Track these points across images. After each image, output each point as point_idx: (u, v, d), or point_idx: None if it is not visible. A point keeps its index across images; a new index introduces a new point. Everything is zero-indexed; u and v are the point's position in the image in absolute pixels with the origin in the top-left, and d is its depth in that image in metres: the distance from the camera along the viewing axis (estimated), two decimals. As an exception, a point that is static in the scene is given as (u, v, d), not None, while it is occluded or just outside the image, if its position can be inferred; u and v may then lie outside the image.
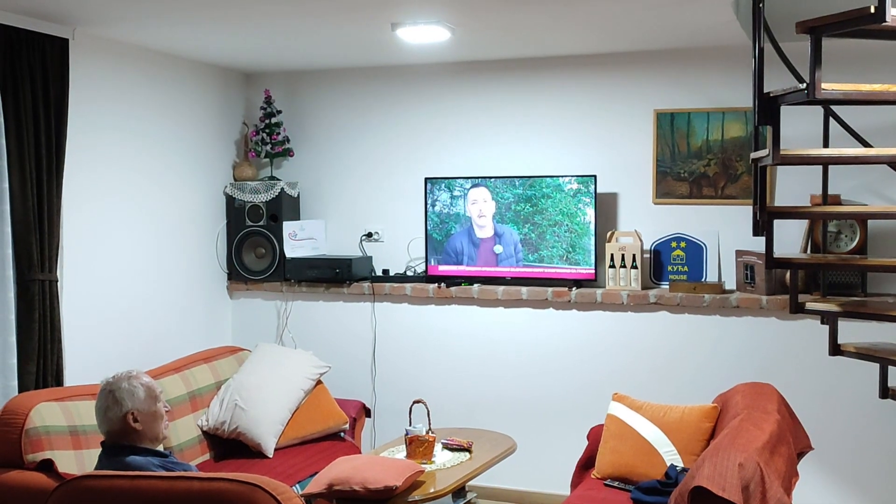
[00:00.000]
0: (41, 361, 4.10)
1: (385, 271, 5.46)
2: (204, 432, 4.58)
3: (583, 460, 4.27)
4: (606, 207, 4.99)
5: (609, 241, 4.92)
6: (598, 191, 4.93)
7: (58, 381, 4.18)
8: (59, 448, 3.75)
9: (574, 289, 4.97)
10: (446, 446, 4.23)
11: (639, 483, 3.84)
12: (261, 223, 5.50)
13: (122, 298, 4.78)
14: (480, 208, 5.14)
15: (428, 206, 5.25)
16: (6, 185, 3.95)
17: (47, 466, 3.62)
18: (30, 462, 3.64)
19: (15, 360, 4.01)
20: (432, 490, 3.77)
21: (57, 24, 4.14)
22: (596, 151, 5.04)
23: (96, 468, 3.18)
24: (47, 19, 4.08)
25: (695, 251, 4.88)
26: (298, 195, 5.62)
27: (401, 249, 5.45)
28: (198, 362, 4.82)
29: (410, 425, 4.18)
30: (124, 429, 3.21)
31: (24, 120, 3.99)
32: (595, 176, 4.91)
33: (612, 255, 4.91)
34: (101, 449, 3.27)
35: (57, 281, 4.20)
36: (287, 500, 2.67)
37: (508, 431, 4.64)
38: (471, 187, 5.16)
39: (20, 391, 3.99)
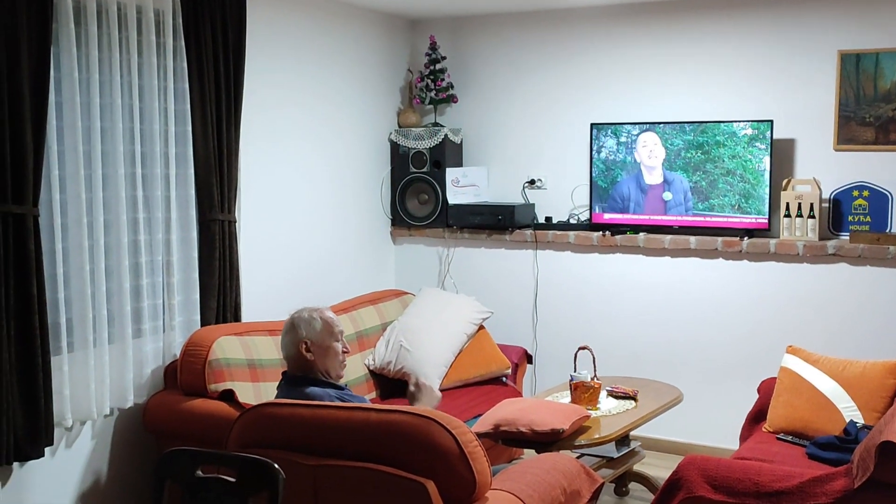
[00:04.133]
0: (221, 297, 4.28)
1: (548, 219, 5.41)
2: (371, 371, 4.70)
3: (753, 413, 4.15)
4: (783, 154, 4.77)
5: (785, 190, 4.71)
6: (775, 137, 4.71)
7: (236, 316, 4.36)
8: (239, 379, 3.93)
9: (746, 239, 4.79)
10: (611, 394, 4.19)
11: (815, 438, 3.70)
12: (424, 169, 5.54)
13: (294, 240, 4.94)
14: (651, 153, 5.00)
15: (593, 152, 5.16)
16: (189, 127, 4.12)
17: (228, 396, 3.80)
18: (213, 391, 3.82)
19: (197, 296, 4.21)
20: (597, 436, 3.74)
21: (236, -29, 4.26)
22: (772, 95, 4.81)
23: (277, 397, 3.30)
24: (227, -33, 4.20)
25: (879, 200, 4.61)
26: (461, 142, 5.63)
27: (564, 197, 5.39)
28: (364, 304, 4.93)
29: (575, 371, 4.15)
30: (299, 357, 3.33)
31: (205, 65, 4.13)
32: (771, 121, 4.69)
33: (787, 203, 4.69)
34: (278, 381, 3.41)
35: (235, 221, 4.37)
36: (461, 434, 2.71)
37: (674, 382, 4.54)
38: (639, 133, 5.03)
39: (202, 325, 4.18)
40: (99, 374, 3.79)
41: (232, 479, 2.19)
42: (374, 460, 2.72)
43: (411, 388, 3.56)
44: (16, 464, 3.51)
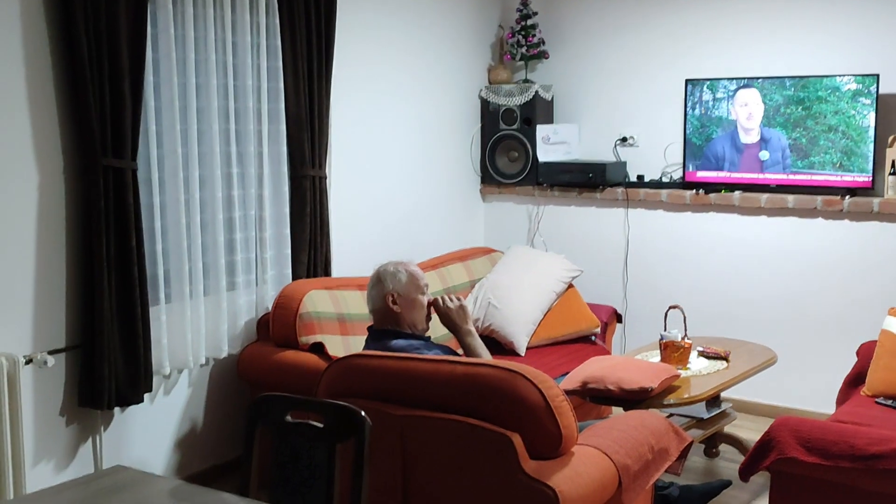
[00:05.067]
0: (312, 252, 4.35)
1: (640, 177, 5.32)
2: (458, 328, 4.71)
3: (851, 377, 4.02)
4: (889, 110, 4.56)
5: (890, 147, 4.51)
6: (880, 91, 4.51)
7: (326, 271, 4.43)
8: (329, 332, 3.99)
9: (847, 197, 4.62)
10: (702, 354, 4.11)
11: (916, 403, 3.57)
12: (514, 127, 5.50)
13: (383, 196, 4.97)
14: (750, 111, 4.85)
15: (688, 108, 5.03)
16: (281, 84, 4.16)
17: (318, 348, 3.86)
18: (303, 343, 3.90)
19: (289, 251, 4.28)
20: (687, 395, 3.69)
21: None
22: (878, 48, 4.59)
23: (364, 349, 3.35)
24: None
25: None
26: (552, 98, 5.56)
27: (657, 154, 5.28)
28: (453, 261, 4.95)
29: (665, 330, 4.09)
30: (386, 310, 3.36)
31: (296, 21, 4.16)
32: (877, 75, 4.49)
33: (892, 161, 4.50)
34: (366, 335, 3.45)
35: (325, 177, 4.42)
36: (547, 389, 2.70)
37: (768, 344, 4.43)
38: (737, 89, 4.88)
39: (293, 279, 4.26)
40: (195, 324, 3.90)
41: (320, 425, 2.23)
42: (461, 412, 2.73)
43: (442, 307, 3.45)
44: (117, 408, 3.65)
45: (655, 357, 4.06)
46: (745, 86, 4.85)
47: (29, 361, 3.32)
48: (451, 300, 3.45)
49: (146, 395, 3.69)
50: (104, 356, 3.46)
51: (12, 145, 3.27)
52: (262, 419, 2.30)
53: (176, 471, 3.93)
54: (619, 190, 5.28)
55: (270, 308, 4.08)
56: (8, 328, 3.28)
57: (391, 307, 3.32)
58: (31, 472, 3.32)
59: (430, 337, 3.41)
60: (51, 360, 3.36)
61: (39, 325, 3.39)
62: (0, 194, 3.24)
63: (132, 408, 3.70)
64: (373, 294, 3.37)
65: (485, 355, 3.38)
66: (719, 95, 4.94)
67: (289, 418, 2.28)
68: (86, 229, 3.44)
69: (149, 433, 3.80)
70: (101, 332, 3.45)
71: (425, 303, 3.39)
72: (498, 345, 4.61)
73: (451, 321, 3.42)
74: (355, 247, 4.71)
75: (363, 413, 2.18)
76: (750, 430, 4.48)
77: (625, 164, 5.38)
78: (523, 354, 4.56)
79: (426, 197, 5.29)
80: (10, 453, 3.16)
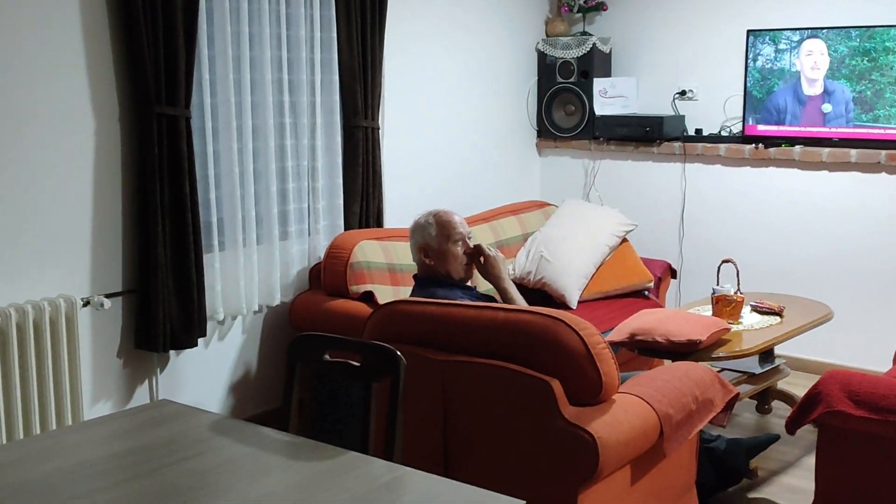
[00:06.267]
0: (364, 203, 4.38)
1: (698, 131, 5.23)
2: (510, 281, 4.72)
3: (909, 335, 3.93)
4: (959, 60, 4.41)
5: (959, 99, 4.37)
6: (951, 41, 4.36)
7: (378, 222, 4.46)
8: (379, 282, 4.02)
9: (912, 151, 4.49)
10: (755, 309, 4.05)
11: (975, 361, 3.48)
12: (571, 80, 5.44)
13: (437, 148, 4.97)
14: (815, 60, 4.71)
15: (749, 60, 4.92)
16: (334, 34, 4.17)
17: (368, 297, 3.90)
18: (354, 292, 3.94)
19: (341, 201, 4.32)
20: (737, 349, 3.65)
21: None
22: (951, -4, 4.43)
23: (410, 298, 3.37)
24: None
25: None
26: (610, 51, 5.48)
27: (716, 108, 5.18)
28: (506, 214, 4.94)
29: (718, 285, 4.04)
30: (420, 263, 3.38)
31: (350, -29, 4.17)
32: (948, 24, 4.33)
33: (961, 114, 4.36)
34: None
35: (378, 128, 4.43)
36: (588, 336, 2.70)
37: (825, 301, 4.35)
38: (801, 40, 4.75)
39: (345, 230, 4.30)
40: (248, 272, 3.97)
41: (357, 364, 2.27)
42: (501, 358, 2.75)
43: (481, 259, 3.42)
44: (172, 352, 3.74)
45: (707, 311, 4.01)
46: (810, 36, 4.72)
47: (86, 304, 3.42)
48: (489, 249, 3.44)
49: (200, 340, 3.78)
50: (159, 300, 3.54)
51: (70, 94, 3.35)
52: (302, 358, 2.35)
53: (229, 415, 4.02)
54: (677, 144, 5.20)
55: (322, 258, 4.13)
56: (67, 271, 3.38)
57: (424, 260, 3.33)
58: (90, 410, 3.44)
59: (474, 287, 3.42)
60: (107, 302, 3.45)
61: (97, 269, 3.48)
62: (59, 142, 3.32)
63: (187, 351, 3.79)
64: (410, 246, 3.40)
65: (523, 305, 3.38)
66: (782, 47, 4.81)
67: (327, 357, 2.32)
68: (141, 176, 3.52)
69: (203, 377, 3.90)
70: (156, 277, 3.53)
71: (460, 252, 3.36)
72: (549, 298, 4.61)
73: (494, 270, 3.42)
74: (408, 198, 4.73)
75: (398, 353, 2.21)
76: (803, 387, 4.38)
77: (683, 117, 5.29)
78: (575, 308, 4.54)
79: (480, 150, 5.28)
80: (69, 391, 3.27)
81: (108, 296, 3.48)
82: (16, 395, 3.13)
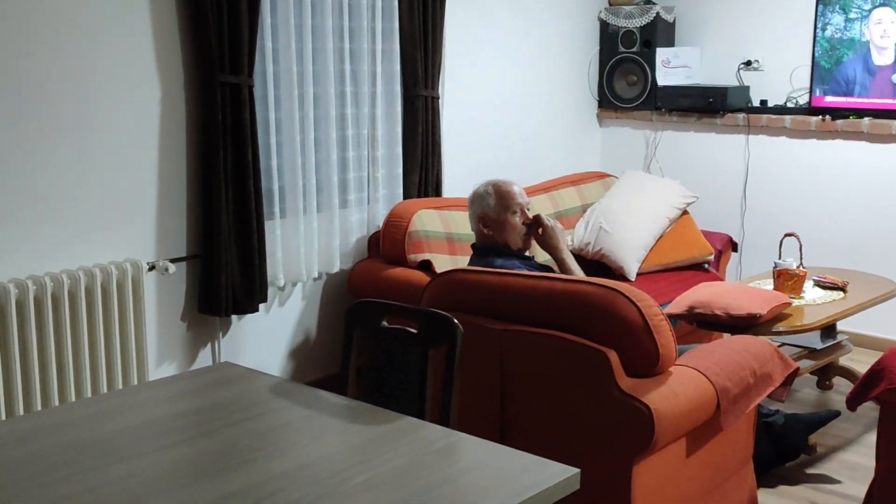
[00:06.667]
0: (423, 172, 4.39)
1: (763, 102, 5.13)
2: (569, 252, 4.70)
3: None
4: None
5: None
6: None
7: (437, 191, 4.47)
8: (437, 251, 4.05)
9: None
10: (818, 283, 3.99)
11: None
12: (634, 49, 5.37)
13: (496, 119, 4.96)
14: (885, 30, 4.59)
15: (817, 30, 4.80)
16: (396, 2, 4.17)
17: (426, 266, 3.93)
18: (412, 261, 3.97)
19: (400, 170, 4.34)
20: (798, 324, 3.60)
21: None
22: None
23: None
24: None
25: None
26: (674, 20, 5.39)
27: (782, 79, 5.07)
28: (565, 185, 4.92)
29: (780, 259, 3.98)
30: (479, 233, 3.38)
31: (412, -61, 4.16)
32: None
33: None
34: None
35: (438, 98, 4.43)
36: (646, 307, 2.69)
37: (889, 276, 4.25)
38: (871, 8, 4.62)
39: (404, 198, 4.32)
40: (308, 239, 4.02)
41: (414, 331, 2.29)
42: (558, 328, 2.75)
43: (539, 229, 3.42)
44: (234, 316, 3.81)
45: (768, 285, 3.96)
46: (880, 4, 4.59)
47: (152, 268, 3.50)
48: (548, 220, 3.44)
49: (261, 306, 3.84)
50: (222, 266, 3.61)
51: (137, 62, 3.41)
52: (360, 324, 2.38)
53: (288, 379, 4.08)
54: (741, 115, 5.11)
55: (381, 226, 4.16)
56: (133, 236, 3.47)
57: (482, 230, 3.34)
58: (154, 372, 3.53)
59: (532, 256, 3.42)
60: (172, 267, 3.53)
61: (162, 234, 3.56)
62: (126, 110, 3.39)
63: (248, 317, 3.86)
64: (469, 215, 3.40)
65: (581, 276, 3.37)
66: (852, 16, 4.69)
67: (384, 324, 2.35)
68: (204, 143, 3.58)
69: (264, 342, 3.97)
70: (219, 243, 3.59)
71: (519, 222, 3.36)
72: (608, 269, 4.59)
73: (552, 240, 3.41)
74: (467, 168, 4.73)
75: (455, 320, 2.22)
76: (866, 364, 4.31)
77: (747, 88, 5.19)
78: (633, 280, 4.52)
79: (541, 120, 5.25)
80: (135, 352, 3.36)
81: (172, 261, 3.56)
82: (84, 355, 3.23)
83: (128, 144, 3.41)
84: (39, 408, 3.10)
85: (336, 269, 4.16)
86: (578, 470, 1.79)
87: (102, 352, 3.28)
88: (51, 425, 2.05)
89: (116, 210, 3.41)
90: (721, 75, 5.31)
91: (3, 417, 3.00)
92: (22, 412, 3.05)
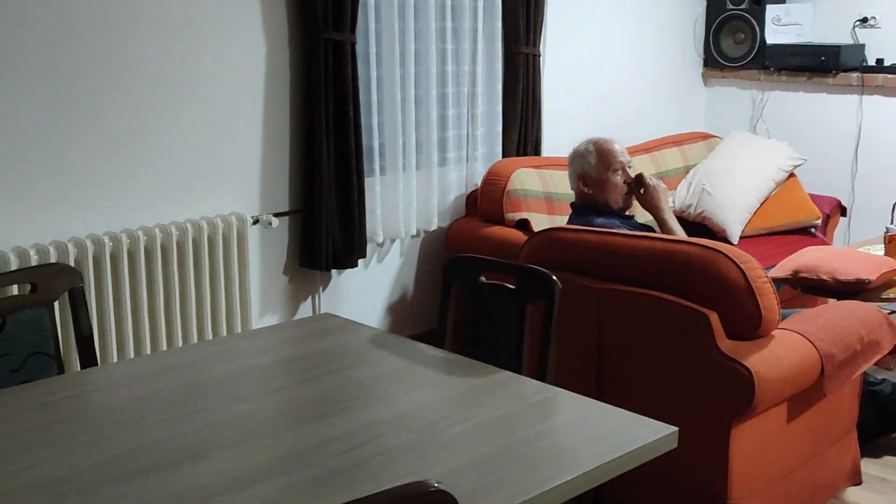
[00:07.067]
0: (522, 130, 4.37)
1: (879, 61, 4.91)
2: (669, 213, 4.63)
3: None
4: None
5: None
6: None
7: (536, 150, 4.44)
8: (535, 210, 4.03)
9: None
10: (932, 250, 3.83)
11: None
12: (742, 6, 5.20)
13: (598, 77, 4.88)
14: None
15: (940, -16, 4.57)
16: (498, -42, 4.14)
17: (524, 225, 3.92)
18: (509, 220, 3.96)
19: (500, 128, 4.32)
20: (910, 291, 3.47)
21: None
22: None
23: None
24: None
25: None
26: (786, -25, 5.21)
27: (900, 36, 4.86)
28: (668, 145, 4.83)
29: (892, 224, 3.83)
30: (578, 191, 3.35)
31: None
32: None
33: None
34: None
35: (539, 55, 4.39)
36: (750, 269, 2.63)
37: None
38: None
39: (503, 157, 4.31)
40: (407, 197, 4.04)
41: (512, 287, 2.29)
42: (658, 288, 2.72)
43: (641, 189, 3.36)
44: (334, 271, 3.88)
45: (879, 251, 3.82)
46: None
47: (255, 222, 3.58)
48: (650, 179, 3.38)
49: (360, 261, 3.90)
50: (322, 221, 3.67)
51: (242, 18, 3.46)
52: (457, 279, 2.39)
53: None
54: (854, 75, 4.91)
55: (479, 184, 4.16)
56: (238, 190, 3.55)
57: (582, 189, 3.31)
58: (257, 322, 3.62)
59: (632, 216, 3.38)
60: (275, 221, 3.61)
61: (265, 189, 3.63)
62: (232, 65, 3.46)
63: (347, 271, 3.92)
64: (568, 174, 3.38)
65: (682, 236, 3.32)
66: (980, -31, 4.44)
67: (482, 279, 2.36)
68: (307, 99, 3.62)
69: (362, 296, 4.03)
70: (320, 198, 3.65)
71: (620, 181, 3.32)
72: (710, 232, 4.50)
73: (654, 200, 3.36)
74: (567, 127, 4.68)
75: (553, 276, 2.22)
76: (982, 336, 4.16)
77: (863, 46, 4.98)
78: (736, 243, 4.42)
79: (644, 79, 5.15)
80: (239, 302, 3.46)
81: (275, 215, 3.63)
82: (191, 304, 3.34)
83: (233, 101, 3.48)
84: (148, 352, 3.22)
85: (434, 227, 4.19)
86: (677, 428, 1.78)
87: (208, 301, 3.38)
88: (161, 368, 2.13)
89: (222, 165, 3.49)
90: (834, 33, 5.10)
91: (115, 360, 3.13)
92: (132, 356, 3.18)
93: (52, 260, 2.96)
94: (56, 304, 2.31)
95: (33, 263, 2.89)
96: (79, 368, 2.40)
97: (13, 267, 2.86)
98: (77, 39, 3.05)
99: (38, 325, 2.24)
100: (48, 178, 3.05)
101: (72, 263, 2.99)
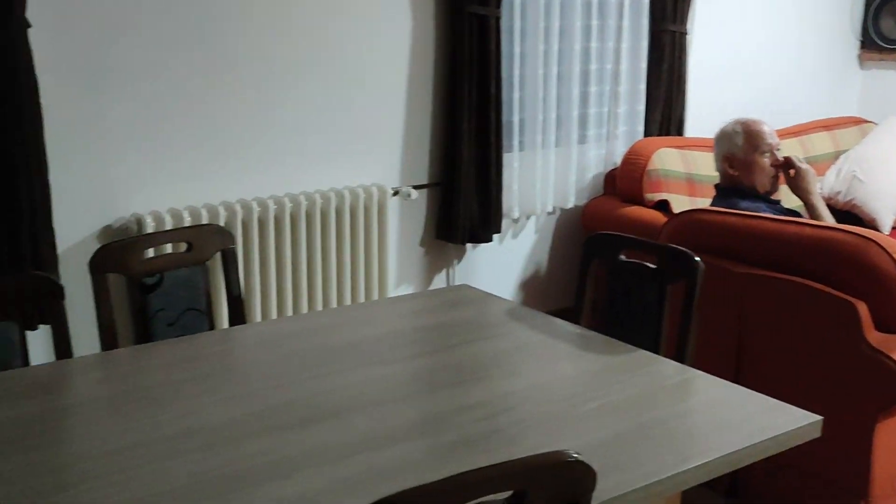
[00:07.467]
0: (665, 110, 4.28)
1: None
2: (816, 200, 4.46)
3: None
4: None
5: None
6: None
7: (679, 130, 4.36)
8: (675, 192, 3.95)
9: None
10: None
11: None
12: (907, -15, 4.94)
13: (746, 57, 4.74)
14: None
15: None
16: (648, -67, 4.06)
17: (663, 206, 3.85)
18: (648, 200, 3.90)
19: (642, 107, 4.25)
20: None
21: None
22: None
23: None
24: None
25: None
26: (957, -48, 4.91)
27: None
28: (817, 129, 4.65)
29: None
30: (724, 173, 3.26)
31: None
32: None
33: None
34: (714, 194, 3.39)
35: (686, 33, 4.29)
36: (903, 259, 2.52)
37: None
38: None
39: (645, 136, 4.24)
40: (544, 173, 4.03)
41: (653, 266, 2.27)
42: (804, 275, 2.64)
43: (790, 172, 3.25)
44: (469, 245, 3.92)
45: None
46: None
47: (395, 193, 3.65)
48: (800, 162, 3.27)
49: (495, 236, 3.92)
50: (460, 195, 3.70)
51: (391, -9, 3.53)
52: (597, 255, 2.38)
53: (519, 309, 4.17)
54: None
55: (619, 163, 4.11)
56: (380, 162, 3.62)
57: (728, 170, 3.22)
58: (394, 290, 3.70)
59: (779, 200, 3.28)
60: (414, 193, 3.66)
61: (406, 162, 3.69)
62: (379, 39, 3.52)
63: (482, 246, 3.95)
64: (714, 155, 3.29)
65: (832, 223, 3.20)
66: None
67: (622, 257, 2.34)
68: (450, 74, 3.65)
69: (496, 271, 4.05)
70: (459, 172, 3.68)
71: (767, 164, 3.21)
72: (859, 220, 4.30)
73: (804, 183, 3.25)
74: (711, 107, 4.57)
75: (696, 257, 2.18)
76: None
77: None
78: (887, 233, 4.23)
79: (794, 60, 4.96)
80: (378, 270, 3.53)
81: (415, 187, 3.69)
82: (332, 269, 3.43)
83: (379, 74, 3.55)
84: (290, 314, 3.33)
85: (570, 205, 4.17)
86: (821, 418, 1.73)
87: (348, 268, 3.47)
88: (303, 329, 2.21)
89: (366, 137, 3.56)
90: None
91: (259, 319, 3.25)
92: (275, 317, 3.29)
93: (204, 222, 3.09)
94: (208, 263, 2.41)
95: (186, 224, 3.03)
96: (227, 325, 2.51)
97: (168, 227, 3.00)
98: (234, 15, 3.16)
99: (192, 283, 2.35)
100: (203, 145, 3.19)
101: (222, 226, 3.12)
